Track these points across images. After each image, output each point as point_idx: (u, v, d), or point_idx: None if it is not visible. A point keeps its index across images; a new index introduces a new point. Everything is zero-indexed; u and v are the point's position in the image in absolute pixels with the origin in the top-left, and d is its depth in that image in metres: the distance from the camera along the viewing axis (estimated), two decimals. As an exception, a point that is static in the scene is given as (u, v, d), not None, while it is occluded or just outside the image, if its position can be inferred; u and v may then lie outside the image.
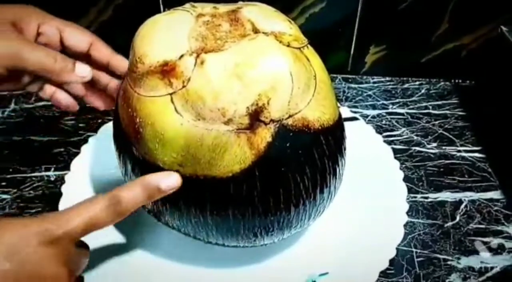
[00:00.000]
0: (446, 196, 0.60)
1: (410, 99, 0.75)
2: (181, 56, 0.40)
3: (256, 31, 0.42)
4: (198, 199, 0.41)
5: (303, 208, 0.43)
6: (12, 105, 0.72)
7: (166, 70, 0.40)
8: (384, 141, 0.63)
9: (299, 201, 0.42)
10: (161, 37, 0.42)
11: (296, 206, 0.43)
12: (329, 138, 0.43)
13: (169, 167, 0.41)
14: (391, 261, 0.49)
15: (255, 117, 0.39)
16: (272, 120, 0.40)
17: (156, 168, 0.41)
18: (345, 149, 0.46)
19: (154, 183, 0.40)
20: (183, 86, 0.39)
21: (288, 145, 0.40)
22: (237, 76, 0.39)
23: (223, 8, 0.44)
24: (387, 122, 0.70)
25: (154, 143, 0.41)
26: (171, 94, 0.40)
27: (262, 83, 0.39)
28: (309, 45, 0.44)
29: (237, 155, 0.40)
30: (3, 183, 0.60)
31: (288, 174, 0.41)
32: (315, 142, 0.42)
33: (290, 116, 0.40)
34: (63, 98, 0.51)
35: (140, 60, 0.41)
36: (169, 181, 0.40)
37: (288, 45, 0.41)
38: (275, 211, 0.42)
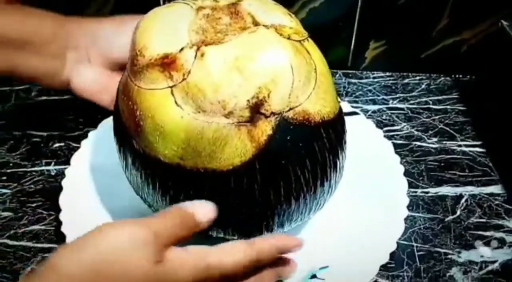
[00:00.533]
0: (446, 190, 0.60)
1: (411, 95, 0.74)
2: (181, 49, 0.40)
3: (256, 24, 0.42)
4: (199, 192, 0.41)
5: (304, 201, 0.43)
6: (12, 100, 0.72)
7: (166, 63, 0.40)
8: (385, 136, 0.63)
9: (299, 194, 0.42)
10: (161, 30, 0.42)
11: (296, 199, 0.43)
12: (329, 132, 0.43)
13: (170, 160, 0.41)
14: (392, 255, 0.49)
15: (256, 110, 0.39)
16: (272, 113, 0.40)
17: (156, 161, 0.41)
18: (345, 143, 0.46)
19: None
20: (183, 79, 0.39)
21: (288, 137, 0.40)
22: (238, 69, 0.39)
23: (223, 1, 0.44)
24: (388, 117, 0.70)
25: (154, 135, 0.40)
26: (171, 87, 0.40)
27: (263, 76, 0.39)
28: (309, 38, 0.44)
29: (237, 147, 0.40)
30: (4, 177, 0.60)
31: (289, 166, 0.41)
32: (316, 135, 0.42)
33: (290, 109, 0.40)
34: None
35: (141, 53, 0.41)
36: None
37: (289, 38, 0.41)
38: (276, 204, 0.42)
